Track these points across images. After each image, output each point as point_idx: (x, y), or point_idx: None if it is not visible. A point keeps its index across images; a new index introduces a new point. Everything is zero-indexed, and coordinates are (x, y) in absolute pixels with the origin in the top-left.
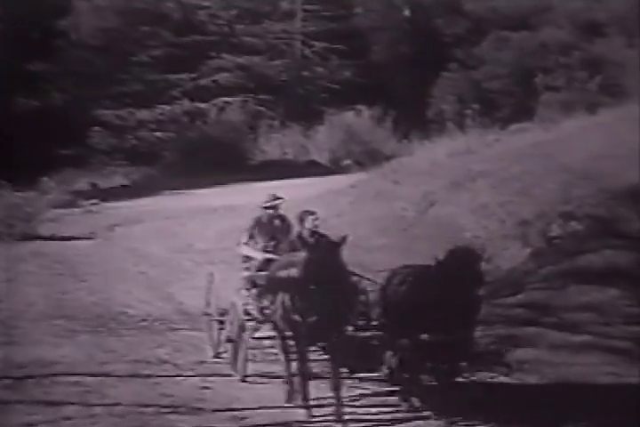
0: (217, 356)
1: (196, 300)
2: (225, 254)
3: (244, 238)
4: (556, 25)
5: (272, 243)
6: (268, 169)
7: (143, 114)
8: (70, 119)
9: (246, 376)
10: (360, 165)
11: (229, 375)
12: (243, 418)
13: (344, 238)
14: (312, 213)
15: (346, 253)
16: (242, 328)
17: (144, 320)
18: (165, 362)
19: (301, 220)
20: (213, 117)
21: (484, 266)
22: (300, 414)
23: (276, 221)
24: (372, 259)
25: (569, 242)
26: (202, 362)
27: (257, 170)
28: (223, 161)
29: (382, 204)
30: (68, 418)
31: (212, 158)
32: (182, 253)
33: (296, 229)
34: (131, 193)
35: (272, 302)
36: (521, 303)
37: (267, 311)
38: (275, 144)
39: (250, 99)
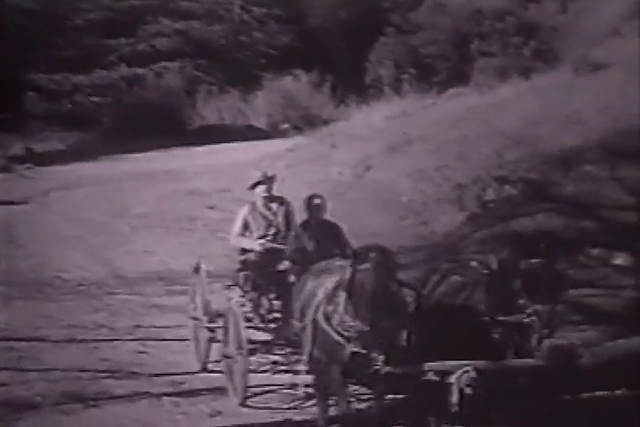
0: (205, 369)
1: (132, 264)
2: (163, 218)
3: (238, 228)
4: None
5: (271, 231)
6: (206, 134)
7: (79, 78)
8: (4, 84)
9: (247, 398)
10: (298, 129)
11: (167, 340)
12: (181, 383)
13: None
14: (319, 197)
15: None
16: (239, 342)
17: (80, 285)
18: (102, 326)
19: (308, 205)
20: (151, 82)
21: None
22: None
23: (273, 205)
24: None
25: (503, 206)
26: (139, 326)
27: (195, 134)
28: (161, 126)
29: (319, 168)
30: (3, 384)
31: (149, 123)
32: (120, 218)
33: (298, 217)
34: (67, 158)
35: (298, 319)
36: (456, 268)
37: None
38: (213, 109)
39: (188, 64)
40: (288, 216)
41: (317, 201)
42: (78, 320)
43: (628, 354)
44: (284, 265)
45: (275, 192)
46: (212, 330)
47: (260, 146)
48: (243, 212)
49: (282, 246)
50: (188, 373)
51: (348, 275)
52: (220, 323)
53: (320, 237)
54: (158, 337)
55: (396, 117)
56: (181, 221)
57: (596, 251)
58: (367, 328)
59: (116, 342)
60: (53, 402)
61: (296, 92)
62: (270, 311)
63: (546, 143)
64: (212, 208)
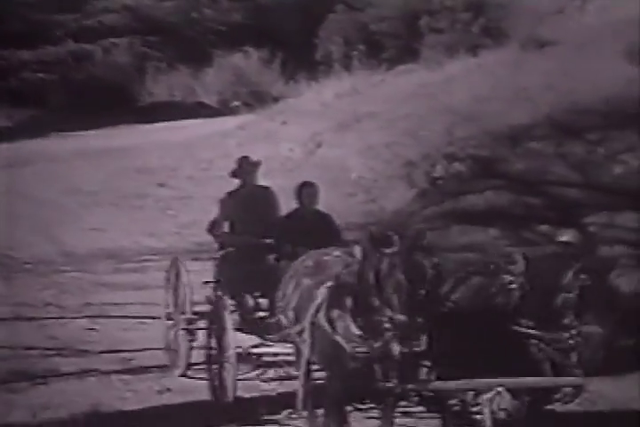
0: (185, 375)
1: (82, 242)
2: (113, 196)
3: (218, 223)
4: None
5: (256, 225)
6: (155, 111)
7: (25, 54)
8: None
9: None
10: (248, 106)
11: (117, 317)
12: (130, 360)
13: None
14: (311, 186)
15: None
16: (226, 347)
17: (29, 263)
18: (51, 304)
19: (298, 194)
20: (99, 59)
21: None
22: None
23: (258, 195)
24: None
25: (452, 183)
26: (88, 304)
27: (145, 111)
28: (110, 103)
29: (270, 145)
30: None
31: (99, 100)
32: (69, 196)
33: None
34: (14, 135)
35: (291, 322)
36: None
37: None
38: (162, 86)
39: (137, 40)
40: (272, 206)
41: (309, 190)
42: (27, 298)
43: None
44: (270, 260)
45: (258, 180)
46: (191, 332)
47: (210, 123)
48: (222, 203)
49: (266, 239)
50: (137, 350)
51: (353, 267)
52: (198, 324)
53: (312, 228)
54: (108, 314)
55: (346, 94)
56: (131, 199)
57: (542, 227)
58: (403, 325)
59: (64, 319)
60: (1, 380)
61: (246, 69)
62: (256, 310)
63: (494, 120)
64: (162, 186)
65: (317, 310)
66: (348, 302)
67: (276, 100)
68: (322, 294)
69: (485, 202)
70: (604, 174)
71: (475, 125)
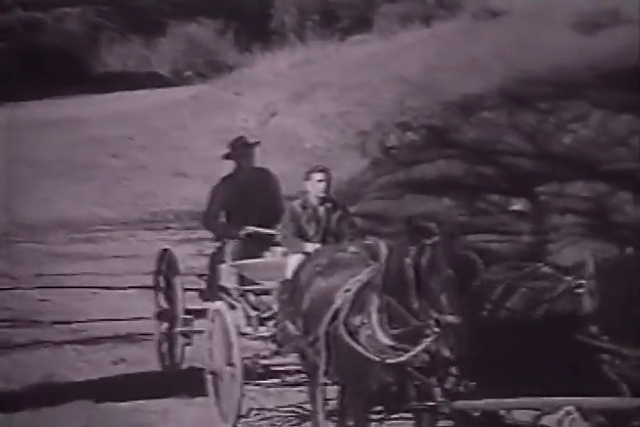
0: (177, 380)
1: (34, 212)
2: (65, 166)
3: (211, 211)
4: None
5: (254, 213)
6: (108, 81)
7: None
8: None
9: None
10: (202, 76)
11: (70, 287)
12: (83, 330)
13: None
14: (321, 170)
15: (185, 165)
16: (229, 355)
17: None
18: (3, 275)
19: (306, 179)
20: (51, 28)
21: None
22: (143, 325)
23: (255, 179)
24: (214, 169)
25: (405, 152)
26: (41, 275)
27: (97, 81)
28: (62, 72)
29: (224, 115)
30: None
31: (50, 69)
32: (20, 166)
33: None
34: None
35: (300, 329)
36: (359, 213)
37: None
38: (116, 56)
39: (89, 10)
40: (272, 190)
41: (320, 176)
42: None
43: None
44: (274, 253)
45: (255, 162)
46: (186, 335)
47: (163, 93)
48: (215, 189)
49: (268, 230)
50: (90, 320)
51: (377, 265)
52: (193, 326)
53: (324, 218)
54: (61, 285)
55: (300, 64)
56: (84, 169)
57: (494, 197)
58: (455, 328)
59: (17, 290)
60: None
61: (200, 39)
62: (256, 309)
63: (447, 90)
64: (115, 156)
65: (334, 317)
66: (374, 306)
67: (229, 70)
68: (341, 298)
69: (438, 171)
70: (555, 144)
71: (427, 95)
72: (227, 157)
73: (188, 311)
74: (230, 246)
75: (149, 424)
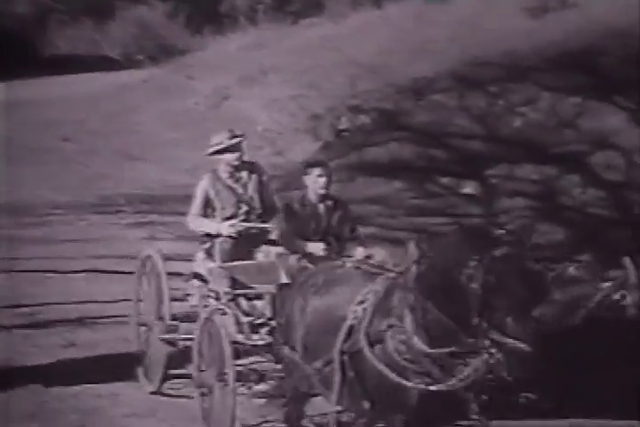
0: (160, 392)
1: None
2: (16, 150)
3: (197, 206)
4: None
5: (242, 209)
6: (58, 63)
7: None
8: None
9: None
10: (153, 59)
11: (20, 271)
12: (33, 314)
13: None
14: (321, 165)
15: (136, 149)
16: (220, 366)
17: None
18: None
19: (304, 174)
20: (0, 10)
21: None
22: (94, 309)
23: (243, 174)
24: (165, 152)
25: (357, 135)
26: None
27: (47, 64)
28: (13, 55)
29: (175, 98)
30: None
31: (0, 53)
32: None
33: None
34: None
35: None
36: None
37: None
38: (65, 38)
39: None
40: (263, 188)
41: (320, 170)
42: None
43: None
44: (267, 253)
45: (245, 156)
46: (171, 343)
47: (114, 77)
48: (202, 184)
49: (262, 226)
50: (40, 304)
51: (404, 269)
52: (179, 332)
53: (324, 217)
54: (11, 269)
55: (252, 47)
56: (34, 153)
57: (445, 179)
58: (523, 354)
59: None
60: None
61: (151, 22)
62: (248, 315)
63: (397, 72)
64: (66, 140)
65: (349, 334)
66: (406, 308)
67: (181, 53)
68: (354, 312)
69: (389, 154)
70: (505, 127)
71: (379, 78)
72: (214, 152)
73: (173, 317)
74: (218, 246)
75: (100, 408)
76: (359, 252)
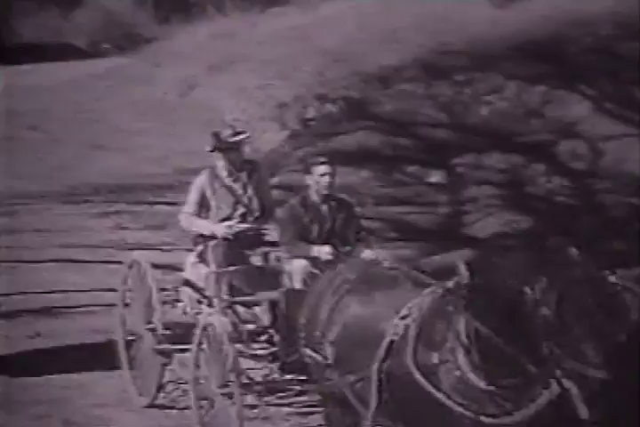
0: (153, 405)
1: None
2: None
3: (191, 205)
4: None
5: (239, 210)
6: (24, 52)
7: None
8: None
9: None
10: (120, 48)
11: None
12: None
13: None
14: (324, 163)
15: (103, 137)
16: (223, 376)
17: None
18: None
19: (307, 173)
20: None
21: None
22: (60, 299)
23: (243, 174)
24: (134, 142)
25: (324, 124)
26: None
27: (12, 53)
28: None
29: (143, 87)
30: None
31: None
32: None
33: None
34: None
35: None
36: (277, 185)
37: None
38: (30, 27)
39: None
40: (262, 188)
41: (324, 169)
42: None
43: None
44: (267, 257)
45: (244, 154)
46: (165, 353)
47: (80, 65)
48: (199, 181)
49: (261, 228)
50: (6, 294)
51: (451, 287)
52: (173, 342)
53: (328, 219)
54: None
55: (220, 36)
56: (1, 142)
57: (412, 168)
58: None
59: None
60: None
61: (118, 10)
62: (246, 322)
63: (365, 62)
64: (32, 129)
65: (388, 351)
66: (458, 338)
67: (148, 42)
68: (394, 327)
69: (357, 143)
70: (472, 116)
71: (346, 67)
72: (213, 149)
73: (166, 326)
74: (211, 249)
75: (66, 399)
76: (367, 254)
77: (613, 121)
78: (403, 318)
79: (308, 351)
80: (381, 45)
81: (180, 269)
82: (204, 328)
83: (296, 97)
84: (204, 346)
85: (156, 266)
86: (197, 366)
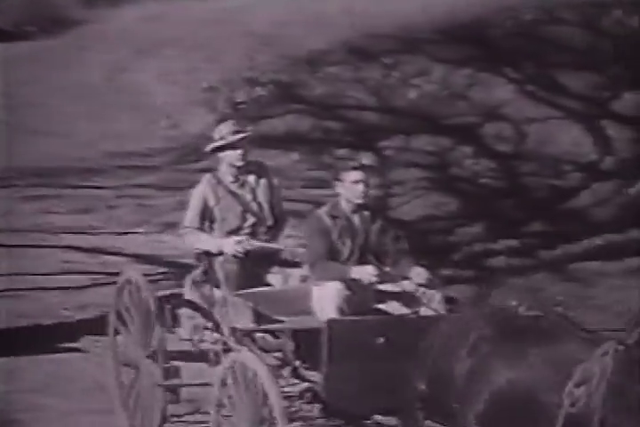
0: None
1: None
2: None
3: (192, 218)
4: None
5: (249, 222)
6: None
7: None
8: None
9: None
10: (46, 31)
11: None
12: None
13: None
14: (356, 168)
15: (30, 121)
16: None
17: None
18: None
19: (336, 180)
20: None
21: None
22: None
23: (250, 178)
24: (62, 126)
25: (253, 107)
26: None
27: None
28: None
29: (68, 71)
30: None
31: None
32: None
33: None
34: None
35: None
36: (202, 168)
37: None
38: None
39: None
40: (272, 194)
41: (357, 175)
42: None
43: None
44: (287, 276)
45: (248, 155)
46: (172, 390)
47: (5, 48)
48: (199, 189)
49: (275, 246)
50: None
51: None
52: (181, 377)
53: (361, 231)
54: None
55: (148, 20)
56: None
57: (341, 151)
58: None
59: None
60: None
61: None
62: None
63: (294, 45)
64: None
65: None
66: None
67: (75, 25)
68: (570, 397)
69: (286, 126)
70: (399, 98)
71: (275, 50)
72: (215, 149)
73: (170, 355)
74: (220, 267)
75: None
76: (417, 273)
77: (537, 104)
78: (579, 385)
79: (420, 416)
80: (310, 29)
81: (107, 253)
82: (232, 361)
83: (225, 80)
84: (230, 386)
85: (83, 249)
86: (221, 405)
